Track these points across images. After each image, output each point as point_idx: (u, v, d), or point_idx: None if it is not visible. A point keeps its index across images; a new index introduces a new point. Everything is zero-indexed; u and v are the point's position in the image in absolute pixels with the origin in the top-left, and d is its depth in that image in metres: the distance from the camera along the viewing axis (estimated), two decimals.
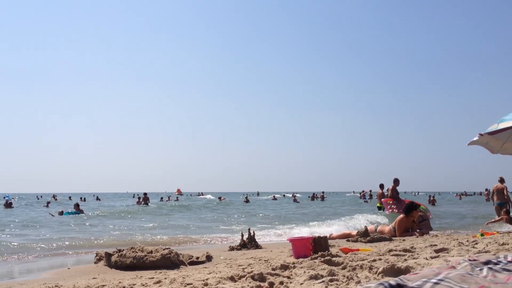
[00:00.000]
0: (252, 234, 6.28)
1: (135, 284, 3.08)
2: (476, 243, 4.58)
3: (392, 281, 1.91)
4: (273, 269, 3.09)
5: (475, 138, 7.94)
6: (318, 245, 4.33)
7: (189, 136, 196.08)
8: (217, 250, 6.04)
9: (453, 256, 3.30)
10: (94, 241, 8.01)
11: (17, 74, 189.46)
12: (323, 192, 43.65)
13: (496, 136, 7.77)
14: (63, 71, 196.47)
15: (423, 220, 8.20)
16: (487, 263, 2.32)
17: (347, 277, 2.56)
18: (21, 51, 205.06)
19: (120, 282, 3.21)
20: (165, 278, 3.22)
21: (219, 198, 41.86)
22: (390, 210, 12.67)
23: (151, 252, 4.49)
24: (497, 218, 11.01)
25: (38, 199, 49.70)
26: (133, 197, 54.73)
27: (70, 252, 6.75)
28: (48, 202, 32.28)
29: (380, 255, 3.73)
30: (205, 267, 4.17)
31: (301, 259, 3.66)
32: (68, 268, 4.76)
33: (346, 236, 7.35)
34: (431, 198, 31.20)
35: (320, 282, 2.47)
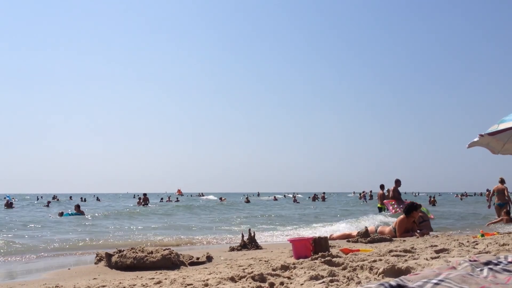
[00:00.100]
0: (252, 234, 6.28)
1: (136, 285, 3.08)
2: (477, 244, 4.58)
3: (393, 281, 1.91)
4: (273, 270, 3.09)
5: (475, 139, 7.94)
6: (319, 246, 4.33)
7: (189, 136, 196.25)
8: (218, 250, 6.04)
9: (454, 256, 3.30)
10: (95, 242, 8.01)
11: (17, 74, 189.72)
12: (324, 193, 43.66)
13: (497, 136, 7.77)
14: (63, 71, 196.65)
15: (423, 221, 8.19)
16: (487, 263, 2.32)
17: (348, 278, 2.56)
18: (21, 51, 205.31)
19: (120, 283, 3.21)
20: (166, 279, 3.22)
21: (220, 198, 41.87)
22: (394, 211, 12.67)
23: (152, 252, 4.49)
24: (497, 218, 11.02)
25: (37, 199, 49.73)
26: (134, 197, 54.75)
27: (70, 253, 6.75)
28: (49, 202, 32.33)
29: (381, 256, 3.73)
30: (206, 268, 4.16)
31: (301, 260, 3.66)
32: (69, 269, 4.76)
33: (347, 237, 7.35)
34: (432, 199, 31.20)
35: (321, 283, 2.47)
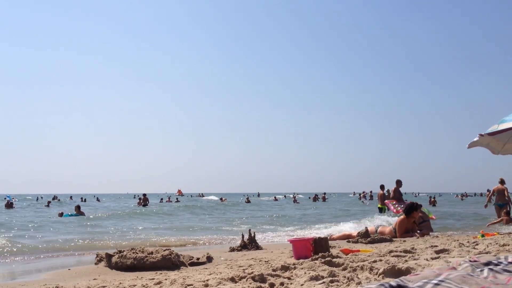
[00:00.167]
0: (252, 235, 6.28)
1: (136, 285, 3.08)
2: (477, 244, 4.58)
3: (393, 282, 1.91)
4: (273, 270, 3.09)
5: (475, 139, 7.94)
6: (319, 246, 4.33)
7: (189, 136, 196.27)
8: (218, 251, 6.04)
9: (454, 257, 3.30)
10: (95, 242, 8.01)
11: (17, 74, 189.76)
12: (324, 193, 43.69)
13: (497, 137, 7.78)
14: (63, 71, 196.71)
15: (423, 221, 8.18)
16: (487, 264, 2.32)
17: (348, 278, 2.56)
18: (21, 51, 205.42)
19: (120, 283, 3.21)
20: (166, 279, 3.22)
21: (221, 199, 41.88)
22: (395, 211, 12.66)
23: (152, 253, 4.49)
24: (497, 219, 11.01)
25: (37, 200, 49.72)
26: (134, 197, 54.77)
27: (70, 253, 6.75)
28: (49, 202, 32.33)
29: (381, 256, 3.73)
30: (206, 268, 4.16)
31: (301, 260, 3.67)
32: (69, 269, 4.76)
33: (347, 237, 7.35)
34: (432, 199, 31.20)
35: (321, 283, 2.47)
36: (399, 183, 13.44)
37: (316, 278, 2.63)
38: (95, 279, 3.85)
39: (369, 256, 3.85)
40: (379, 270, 2.72)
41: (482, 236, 6.41)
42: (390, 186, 13.71)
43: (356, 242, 6.58)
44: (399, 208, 12.38)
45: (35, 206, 30.87)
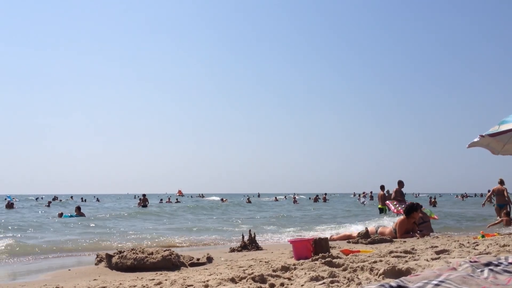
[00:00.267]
0: (253, 235, 6.28)
1: (136, 286, 3.08)
2: (477, 245, 4.58)
3: (393, 282, 1.91)
4: (273, 271, 3.09)
5: (475, 140, 7.94)
6: (319, 247, 4.33)
7: (189, 137, 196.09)
8: (218, 251, 6.05)
9: (454, 257, 3.30)
10: (95, 243, 8.01)
11: (17, 74, 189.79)
12: (325, 194, 43.70)
13: (497, 138, 7.77)
14: (63, 71, 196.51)
15: (423, 222, 8.17)
16: (488, 264, 2.32)
17: (348, 279, 2.56)
18: (21, 51, 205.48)
19: (120, 284, 3.21)
20: (166, 280, 3.22)
21: (222, 199, 41.89)
22: (396, 211, 12.65)
23: (152, 253, 4.49)
24: (498, 219, 11.01)
25: (36, 200, 49.71)
26: (134, 198, 54.76)
27: (70, 254, 6.75)
28: (50, 202, 32.35)
29: (381, 257, 3.73)
30: (206, 269, 4.17)
31: (301, 261, 3.66)
32: (69, 270, 4.77)
33: (347, 238, 7.35)
34: (432, 200, 31.20)
35: (321, 284, 2.47)
36: (401, 183, 13.39)
37: (316, 278, 2.63)
38: (95, 279, 3.85)
39: (369, 256, 3.85)
40: (379, 270, 2.72)
41: (483, 236, 6.41)
42: (391, 187, 13.70)
43: (356, 242, 6.58)
44: (399, 208, 12.36)
45: (36, 206, 30.86)
